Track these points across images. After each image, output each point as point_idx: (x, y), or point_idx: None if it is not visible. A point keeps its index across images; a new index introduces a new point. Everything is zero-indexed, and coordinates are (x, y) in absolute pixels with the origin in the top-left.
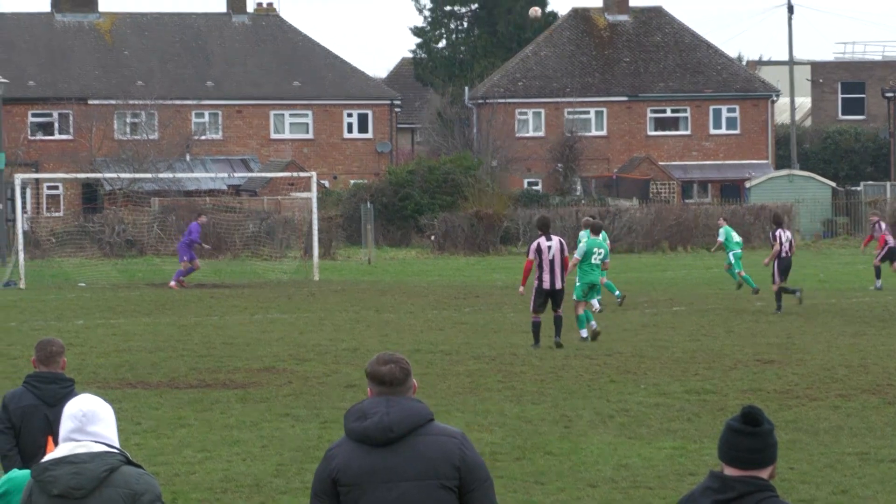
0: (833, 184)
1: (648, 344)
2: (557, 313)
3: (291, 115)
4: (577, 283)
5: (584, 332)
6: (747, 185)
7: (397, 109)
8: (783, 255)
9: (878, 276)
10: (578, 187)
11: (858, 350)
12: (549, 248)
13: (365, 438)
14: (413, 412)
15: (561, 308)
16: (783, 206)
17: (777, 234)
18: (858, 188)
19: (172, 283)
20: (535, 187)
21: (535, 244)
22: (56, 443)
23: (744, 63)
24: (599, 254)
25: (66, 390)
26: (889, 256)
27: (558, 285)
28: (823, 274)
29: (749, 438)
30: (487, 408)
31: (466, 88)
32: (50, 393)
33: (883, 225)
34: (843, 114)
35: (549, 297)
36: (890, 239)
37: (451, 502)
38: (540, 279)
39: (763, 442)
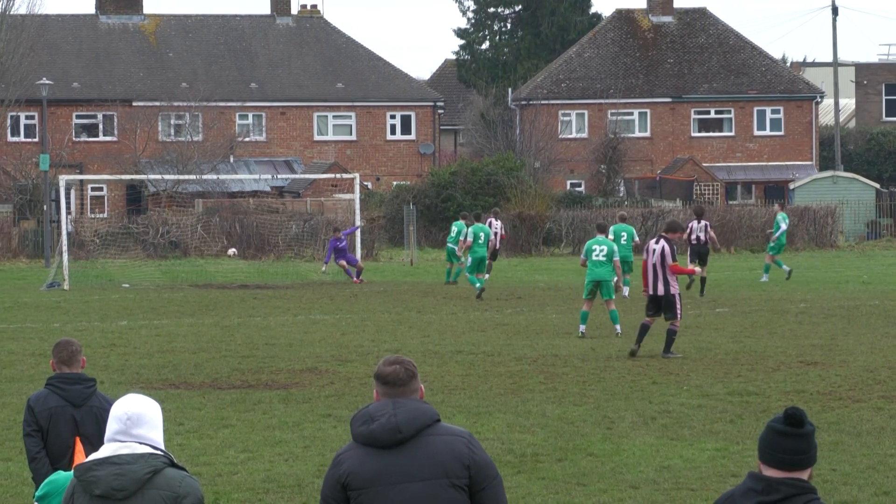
0: (877, 185)
1: (691, 345)
2: (669, 325)
3: (335, 117)
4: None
5: (617, 328)
6: (791, 186)
7: (440, 111)
8: (693, 241)
9: None
10: (622, 188)
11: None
12: (654, 251)
13: (373, 441)
14: (420, 413)
15: (671, 319)
16: (827, 208)
17: (690, 225)
18: None
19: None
20: (578, 189)
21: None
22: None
23: (788, 64)
24: (602, 251)
25: (91, 390)
26: None
27: (660, 291)
28: (867, 276)
29: (792, 440)
30: (529, 409)
31: (509, 90)
32: (75, 393)
33: None
34: (887, 115)
35: (654, 303)
36: None
37: (463, 501)
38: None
39: (806, 443)
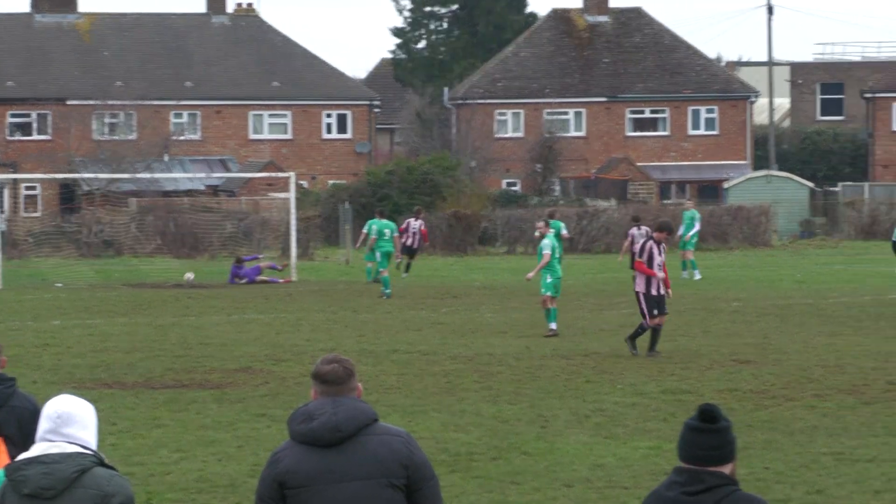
0: (811, 184)
1: (625, 344)
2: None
3: (270, 116)
4: (549, 280)
5: (554, 326)
6: (725, 185)
7: (376, 110)
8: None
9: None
10: (557, 188)
11: (835, 350)
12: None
13: (313, 439)
14: (359, 412)
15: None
16: (761, 207)
17: (630, 233)
18: (836, 189)
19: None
20: (513, 188)
21: (649, 245)
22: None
23: (723, 64)
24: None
25: (10, 390)
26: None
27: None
28: (801, 274)
29: (708, 435)
30: (464, 408)
31: (446, 89)
32: None
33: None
34: (822, 114)
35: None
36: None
37: (400, 501)
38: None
39: (722, 438)
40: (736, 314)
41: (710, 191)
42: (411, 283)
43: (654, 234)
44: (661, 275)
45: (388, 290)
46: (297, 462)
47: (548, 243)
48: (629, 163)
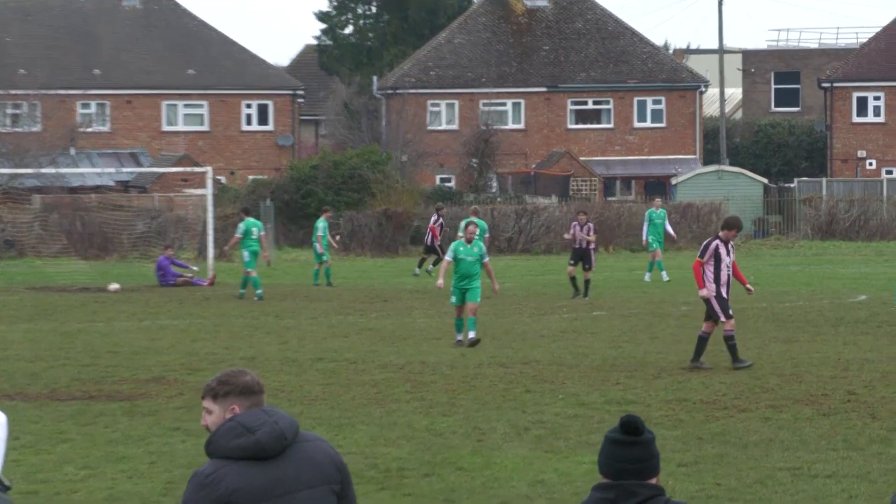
0: (765, 180)
1: (567, 351)
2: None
3: (185, 106)
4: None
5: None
6: (673, 181)
7: (300, 100)
8: (577, 245)
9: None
10: (494, 184)
11: (791, 357)
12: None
13: (259, 452)
14: (290, 418)
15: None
16: (711, 204)
17: (573, 225)
18: (792, 185)
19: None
20: (447, 184)
21: (713, 245)
22: None
23: (670, 52)
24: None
25: None
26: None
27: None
28: (754, 277)
29: (630, 448)
30: (394, 420)
31: (375, 78)
32: None
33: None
34: (776, 105)
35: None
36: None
37: None
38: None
39: (646, 451)
40: (685, 319)
41: (656, 187)
42: (338, 287)
43: (722, 233)
44: (710, 287)
45: (259, 291)
46: (241, 479)
47: (452, 247)
48: (571, 157)
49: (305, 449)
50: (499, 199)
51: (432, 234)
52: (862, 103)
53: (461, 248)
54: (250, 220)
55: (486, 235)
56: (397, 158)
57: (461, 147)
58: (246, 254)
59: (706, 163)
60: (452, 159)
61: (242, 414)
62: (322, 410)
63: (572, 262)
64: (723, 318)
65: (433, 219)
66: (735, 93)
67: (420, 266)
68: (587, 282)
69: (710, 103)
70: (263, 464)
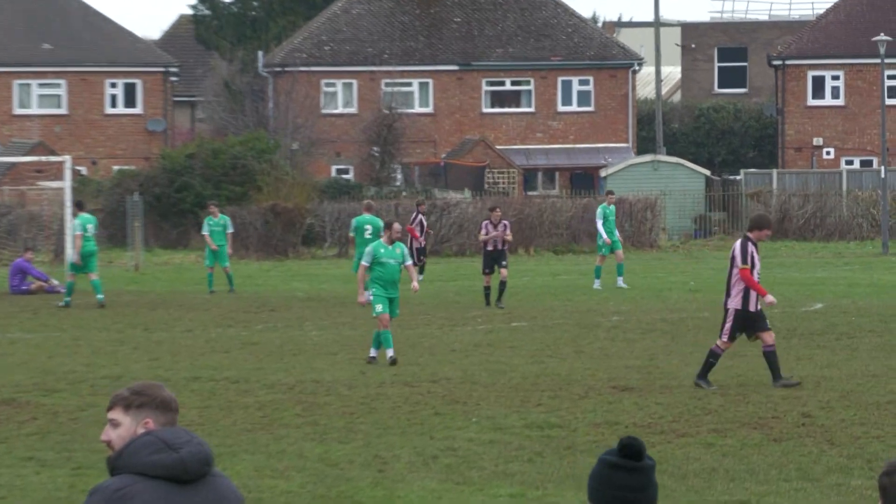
0: (707, 172)
1: (482, 367)
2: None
3: (40, 86)
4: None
5: (373, 352)
6: (602, 173)
7: (173, 78)
8: (490, 247)
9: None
10: (399, 176)
11: (737, 375)
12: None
13: (181, 472)
14: (208, 445)
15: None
16: (646, 200)
17: (485, 224)
18: (738, 177)
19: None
20: (345, 176)
21: (749, 248)
22: None
23: (600, 25)
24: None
25: None
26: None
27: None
28: (694, 282)
29: (629, 475)
30: (283, 448)
31: (260, 53)
32: None
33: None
34: (721, 86)
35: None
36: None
37: None
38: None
39: (645, 479)
40: (616, 331)
41: (583, 180)
42: (217, 294)
43: (752, 234)
44: (771, 298)
45: (68, 299)
46: (155, 499)
47: (369, 250)
48: (486, 145)
49: (218, 483)
50: (404, 194)
51: (411, 236)
52: (818, 84)
53: (382, 251)
54: (84, 215)
55: (371, 232)
56: (287, 146)
57: (360, 133)
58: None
59: (640, 152)
60: (350, 147)
61: (162, 430)
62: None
63: (487, 269)
64: (724, 339)
65: (412, 216)
66: (673, 72)
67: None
68: (503, 283)
69: (644, 84)
70: (181, 488)
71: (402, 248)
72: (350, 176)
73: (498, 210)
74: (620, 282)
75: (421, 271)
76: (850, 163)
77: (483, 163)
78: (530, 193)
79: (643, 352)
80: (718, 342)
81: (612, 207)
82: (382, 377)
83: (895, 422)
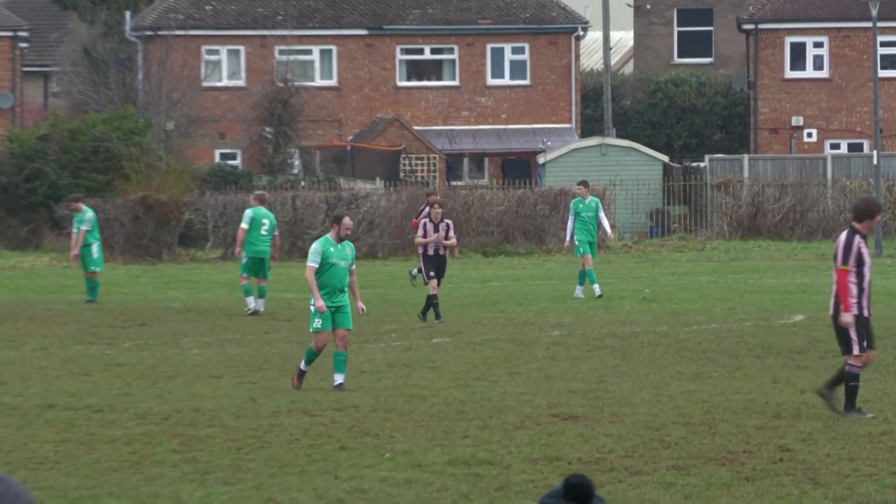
0: (665, 158)
1: (397, 392)
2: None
3: None
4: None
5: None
6: (541, 159)
7: (23, 45)
8: (431, 252)
9: None
10: (296, 162)
11: (701, 400)
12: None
13: None
14: (27, 492)
15: (845, 353)
16: (593, 191)
17: (423, 215)
18: (702, 164)
19: None
20: (231, 162)
21: (856, 243)
22: None
23: None
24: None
25: None
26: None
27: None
28: (650, 289)
29: None
30: (156, 490)
31: (127, 14)
32: None
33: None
34: (681, 55)
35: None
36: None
37: None
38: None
39: None
40: (557, 347)
41: (518, 167)
42: (77, 305)
43: (859, 224)
44: (852, 306)
45: None
46: None
47: (317, 248)
48: (402, 125)
49: None
50: (303, 183)
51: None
52: (797, 52)
53: (332, 249)
54: None
55: (276, 233)
56: (160, 126)
57: (249, 111)
58: None
59: (585, 134)
60: (237, 128)
61: None
62: (55, 478)
63: (432, 272)
64: (856, 351)
65: (419, 212)
66: (624, 38)
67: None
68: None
69: (590, 52)
70: None
71: (352, 249)
72: (237, 162)
73: (438, 205)
74: (579, 291)
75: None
76: (835, 147)
77: (398, 146)
78: (454, 183)
79: (590, 373)
80: (850, 360)
81: (590, 201)
82: (277, 405)
83: (890, 457)
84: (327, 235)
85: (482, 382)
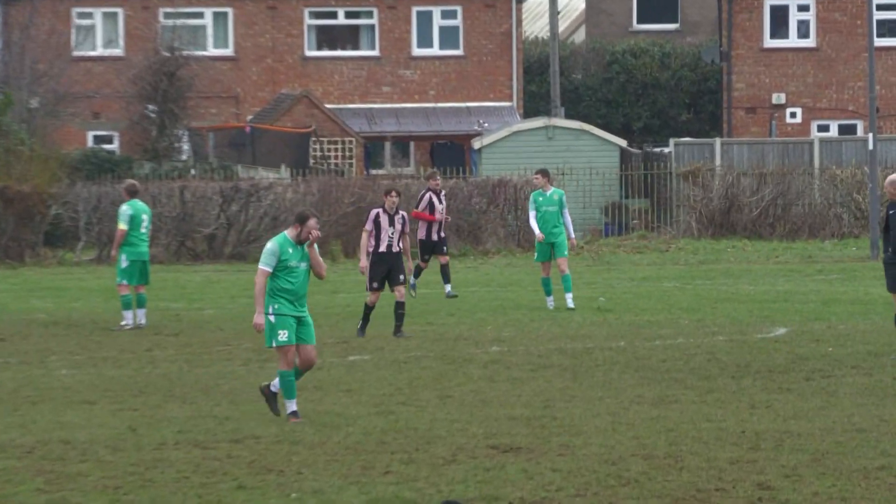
0: (623, 142)
1: (306, 420)
2: None
3: None
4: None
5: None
6: (476, 144)
7: None
8: (381, 248)
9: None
10: (185, 146)
11: (666, 429)
12: None
13: None
14: None
15: None
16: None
17: (372, 214)
18: (666, 149)
19: None
20: (107, 146)
21: None
22: None
23: None
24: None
25: None
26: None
27: None
28: (605, 298)
29: None
30: None
31: None
32: None
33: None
34: (641, 20)
35: None
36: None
37: None
38: None
39: None
40: (496, 367)
41: (449, 153)
42: None
43: None
44: None
45: None
46: None
47: (273, 248)
48: (311, 103)
49: None
50: (193, 172)
51: (425, 225)
52: (779, 16)
53: (290, 251)
54: None
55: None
56: (22, 104)
57: (129, 85)
58: None
59: (529, 114)
60: (115, 106)
61: None
62: None
63: (376, 283)
64: None
65: (419, 197)
66: (575, 0)
67: (416, 277)
68: (400, 305)
69: (534, 18)
70: None
71: (315, 249)
72: (114, 147)
73: (395, 193)
74: (569, 301)
75: (446, 279)
76: (824, 129)
77: (307, 128)
78: (374, 172)
79: (534, 396)
80: None
81: (552, 194)
82: (162, 435)
83: (889, 496)
84: (285, 233)
85: (407, 408)
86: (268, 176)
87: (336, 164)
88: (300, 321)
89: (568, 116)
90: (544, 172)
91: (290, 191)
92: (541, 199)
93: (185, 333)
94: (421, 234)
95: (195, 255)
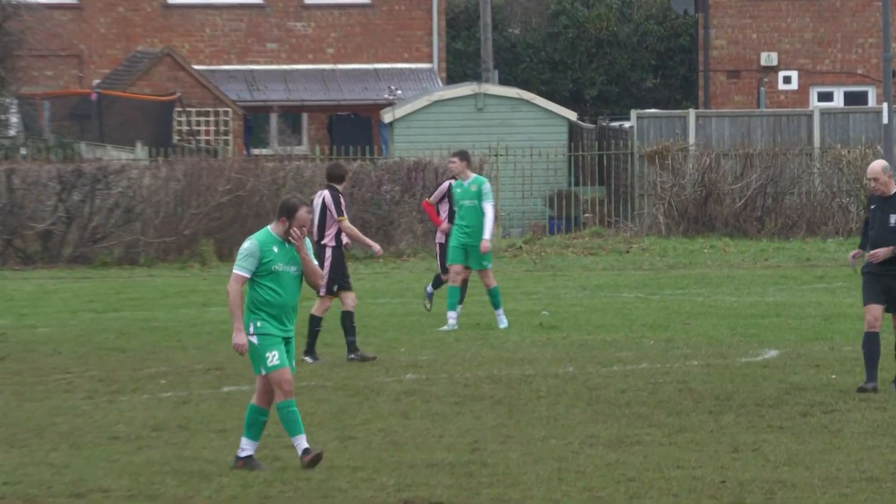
0: (572, 115)
1: (167, 467)
2: None
3: None
4: None
5: None
6: (387, 116)
7: None
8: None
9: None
10: (14, 118)
11: (626, 479)
12: None
13: None
14: None
15: None
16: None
17: (316, 198)
18: (626, 123)
19: None
20: None
21: None
22: None
23: None
24: None
25: None
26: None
27: None
28: (549, 312)
29: None
30: None
31: None
32: None
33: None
34: None
35: None
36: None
37: None
38: None
39: None
40: (412, 399)
41: (352, 128)
42: None
43: None
44: None
45: None
46: None
47: (251, 249)
48: (176, 64)
49: None
50: (23, 151)
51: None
52: None
53: (275, 250)
54: None
55: None
56: None
57: None
58: None
59: (453, 79)
60: None
61: None
62: None
63: (336, 286)
64: None
65: (437, 188)
66: None
67: (435, 287)
68: (348, 316)
69: None
70: None
71: (310, 247)
72: None
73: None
74: (501, 319)
75: (436, 284)
76: (826, 97)
77: (170, 95)
78: (256, 152)
79: (460, 437)
80: None
81: (471, 183)
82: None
83: None
84: (268, 228)
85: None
86: (119, 156)
87: (207, 142)
88: (286, 343)
89: (503, 82)
90: (462, 155)
91: (147, 175)
92: (458, 190)
93: (13, 358)
94: (440, 237)
95: (26, 257)
